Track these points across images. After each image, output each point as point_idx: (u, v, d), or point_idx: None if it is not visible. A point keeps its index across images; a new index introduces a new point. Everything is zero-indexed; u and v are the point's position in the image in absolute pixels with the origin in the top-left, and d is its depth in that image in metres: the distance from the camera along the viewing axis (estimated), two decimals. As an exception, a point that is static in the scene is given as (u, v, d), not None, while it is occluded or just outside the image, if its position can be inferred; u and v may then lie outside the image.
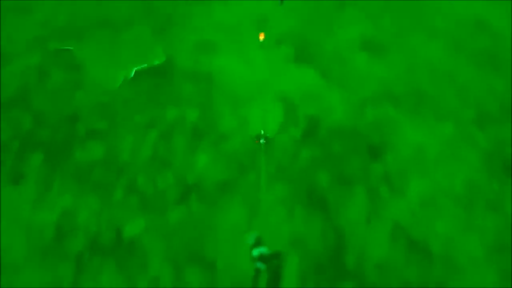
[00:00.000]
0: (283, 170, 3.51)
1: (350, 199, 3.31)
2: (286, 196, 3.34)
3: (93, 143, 3.57)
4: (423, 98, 4.03)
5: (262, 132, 3.59)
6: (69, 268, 2.89)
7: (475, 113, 3.93)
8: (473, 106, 3.99)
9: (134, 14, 4.66)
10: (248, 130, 3.74)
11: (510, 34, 4.70)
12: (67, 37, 4.42)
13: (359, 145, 3.68)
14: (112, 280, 2.86)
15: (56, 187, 3.27)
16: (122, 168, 3.42)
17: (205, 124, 3.80)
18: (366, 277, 2.93)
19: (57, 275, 2.86)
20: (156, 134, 3.67)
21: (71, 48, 4.27)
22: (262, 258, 2.79)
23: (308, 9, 5.01)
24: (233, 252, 3.01)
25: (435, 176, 3.46)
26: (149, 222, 3.13)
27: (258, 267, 2.77)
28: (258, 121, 3.79)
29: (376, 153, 3.61)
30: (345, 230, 3.15)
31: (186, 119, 3.81)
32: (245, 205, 3.27)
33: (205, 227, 3.13)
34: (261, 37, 4.44)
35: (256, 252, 2.81)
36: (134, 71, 4.11)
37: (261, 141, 3.53)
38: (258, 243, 2.90)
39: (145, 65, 4.19)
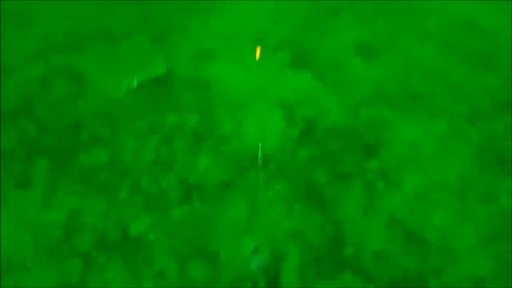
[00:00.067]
0: (282, 169, 3.67)
1: (348, 194, 3.48)
2: (285, 193, 3.51)
3: (96, 148, 3.74)
4: (417, 97, 4.21)
5: (260, 147, 3.74)
6: (77, 264, 3.05)
7: (467, 110, 4.10)
8: (465, 103, 4.16)
9: (133, 25, 4.85)
10: (247, 133, 3.92)
11: (501, 34, 4.89)
12: (68, 49, 4.60)
13: (355, 143, 3.85)
14: (119, 275, 3.02)
15: (62, 190, 3.44)
16: (126, 171, 3.58)
17: (205, 128, 3.97)
18: (365, 266, 3.08)
19: (65, 272, 3.02)
20: (158, 139, 3.84)
21: (72, 59, 4.42)
22: (261, 267, 2.97)
23: (303, 16, 5.20)
24: (235, 245, 3.17)
25: (429, 170, 3.63)
26: (154, 220, 3.29)
27: (257, 275, 2.95)
28: (256, 124, 3.98)
29: (371, 150, 3.78)
30: (343, 223, 3.31)
31: (186, 124, 3.98)
32: (245, 202, 3.43)
33: (208, 224, 3.30)
34: (258, 53, 4.63)
35: (255, 261, 2.99)
36: (137, 82, 4.28)
37: (259, 155, 3.69)
38: (256, 250, 3.07)
39: (147, 76, 4.36)
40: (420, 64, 4.57)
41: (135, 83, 4.27)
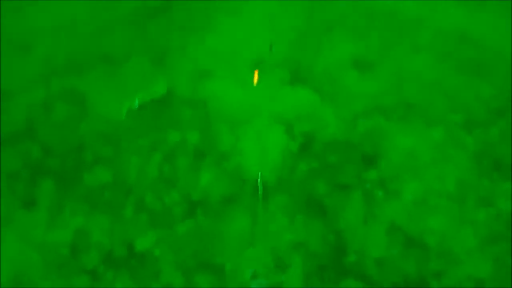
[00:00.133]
0: (283, 183, 3.79)
1: (348, 204, 3.60)
2: (286, 206, 3.63)
3: (100, 168, 3.87)
4: (412, 108, 4.35)
5: (259, 177, 3.86)
6: (85, 280, 3.16)
7: (463, 118, 4.24)
8: (460, 112, 4.30)
9: (132, 47, 5.02)
10: (247, 148, 4.05)
11: (493, 43, 5.05)
12: (69, 73, 4.75)
13: (354, 155, 3.98)
14: (126, 289, 3.13)
15: (67, 210, 3.56)
16: (130, 189, 3.71)
17: (206, 145, 4.10)
18: (367, 273, 3.19)
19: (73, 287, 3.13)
20: (160, 157, 3.97)
21: (73, 83, 4.57)
22: None
23: (299, 33, 5.36)
24: (240, 256, 3.28)
25: (427, 177, 3.76)
26: (159, 236, 3.41)
27: None
28: (255, 139, 4.11)
29: (369, 160, 3.91)
30: (344, 232, 3.42)
31: (187, 141, 4.11)
32: (248, 216, 3.55)
33: (212, 237, 3.41)
34: (255, 78, 4.78)
35: (254, 285, 3.11)
36: (138, 102, 4.42)
37: (259, 185, 3.80)
38: (255, 276, 3.19)
39: (148, 96, 4.50)
40: (414, 75, 4.72)
41: (137, 104, 4.41)
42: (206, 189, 3.71)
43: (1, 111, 4.35)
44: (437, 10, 5.56)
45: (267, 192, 3.71)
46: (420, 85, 4.62)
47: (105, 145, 4.05)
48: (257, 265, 3.24)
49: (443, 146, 4.00)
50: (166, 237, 3.39)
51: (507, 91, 4.50)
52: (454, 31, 5.29)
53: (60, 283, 3.14)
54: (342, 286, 3.12)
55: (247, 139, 4.11)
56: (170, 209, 3.57)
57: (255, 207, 3.59)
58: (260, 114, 4.36)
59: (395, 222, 3.44)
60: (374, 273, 3.17)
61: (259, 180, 3.76)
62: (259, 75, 4.76)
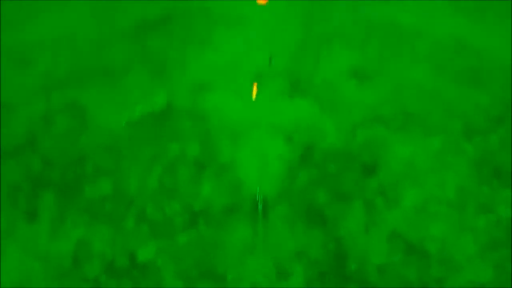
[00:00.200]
0: (283, 193, 3.85)
1: (348, 212, 3.66)
2: (287, 215, 3.68)
3: (101, 180, 3.93)
4: (411, 117, 4.43)
5: (258, 193, 3.91)
6: (87, 290, 3.21)
7: (462, 126, 4.31)
8: (459, 120, 4.38)
9: (132, 60, 5.11)
10: (247, 159, 4.11)
11: (490, 52, 5.14)
12: (69, 86, 4.84)
13: (353, 164, 4.05)
14: (129, 298, 3.18)
15: (69, 221, 3.62)
16: (131, 200, 3.77)
17: (206, 157, 4.17)
18: (368, 280, 3.24)
19: (76, 298, 3.19)
20: (161, 168, 4.03)
21: (74, 95, 4.65)
22: None
23: (298, 45, 5.46)
24: (241, 266, 3.33)
25: (427, 185, 3.82)
26: (161, 246, 3.46)
27: None
28: (256, 150, 4.18)
29: (369, 170, 3.98)
30: (345, 240, 3.48)
31: (188, 153, 4.18)
32: (249, 225, 3.60)
33: (213, 247, 3.46)
34: (254, 92, 4.85)
35: None
36: (137, 115, 4.49)
37: (259, 204, 3.86)
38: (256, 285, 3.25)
39: (148, 108, 4.58)
40: (412, 85, 4.81)
41: (136, 115, 4.48)
42: (207, 200, 3.77)
43: (2, 124, 4.42)
44: (435, 20, 5.68)
45: (267, 204, 3.76)
46: (419, 95, 4.70)
47: (106, 157, 4.12)
48: (258, 275, 3.28)
49: (442, 154, 4.07)
50: (168, 247, 3.45)
51: (505, 99, 4.59)
52: (452, 40, 5.39)
53: (62, 294, 3.19)
54: (344, 294, 3.17)
55: (247, 150, 4.18)
56: (171, 220, 3.62)
57: (256, 217, 3.63)
58: (260, 125, 4.43)
59: (395, 230, 3.49)
60: (376, 280, 3.21)
61: (258, 196, 3.81)
62: (258, 87, 4.85)
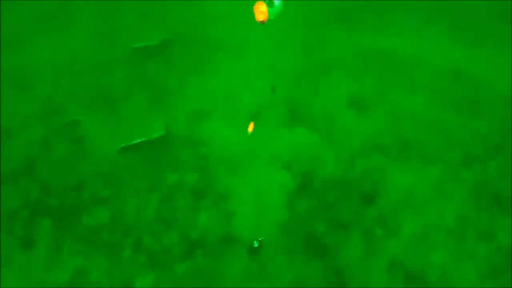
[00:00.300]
0: (282, 223, 3.88)
1: (348, 242, 3.69)
2: (286, 246, 3.71)
3: (99, 208, 3.97)
4: (409, 146, 4.49)
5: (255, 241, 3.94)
6: (85, 320, 3.22)
7: (461, 155, 4.38)
8: (458, 149, 4.44)
9: (131, 86, 5.20)
10: (245, 189, 4.15)
11: (487, 80, 5.24)
12: (68, 111, 4.90)
13: (352, 193, 4.10)
14: (127, 327, 3.18)
15: (66, 250, 3.65)
16: (128, 230, 3.81)
17: (204, 186, 4.21)
18: (368, 308, 3.26)
19: (73, 328, 3.19)
20: (158, 197, 4.08)
21: (73, 121, 4.72)
22: None
23: (297, 75, 5.54)
24: (239, 295, 3.36)
25: (426, 213, 3.86)
26: (158, 276, 3.48)
27: None
28: (254, 180, 4.22)
29: (369, 199, 4.03)
30: (344, 269, 3.50)
31: (186, 182, 4.23)
32: (247, 255, 3.63)
33: (211, 277, 3.49)
34: (250, 128, 4.91)
35: None
36: (135, 142, 4.55)
37: (255, 244, 3.89)
38: None
39: (146, 136, 4.63)
40: (410, 114, 4.89)
41: (133, 142, 4.54)
42: (205, 229, 3.80)
43: (1, 149, 4.48)
44: (433, 50, 5.78)
45: (264, 239, 3.77)
46: (418, 124, 4.77)
47: (104, 185, 4.16)
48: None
49: (441, 182, 4.13)
50: (165, 277, 3.46)
51: (504, 127, 4.65)
52: (450, 70, 5.49)
53: (58, 324, 3.19)
54: (344, 323, 3.17)
55: (246, 180, 4.23)
56: (169, 250, 3.65)
57: (254, 247, 3.64)
58: (259, 154, 4.49)
59: (395, 258, 3.52)
60: (375, 308, 3.22)
61: (255, 242, 3.82)
62: (257, 116, 4.89)
